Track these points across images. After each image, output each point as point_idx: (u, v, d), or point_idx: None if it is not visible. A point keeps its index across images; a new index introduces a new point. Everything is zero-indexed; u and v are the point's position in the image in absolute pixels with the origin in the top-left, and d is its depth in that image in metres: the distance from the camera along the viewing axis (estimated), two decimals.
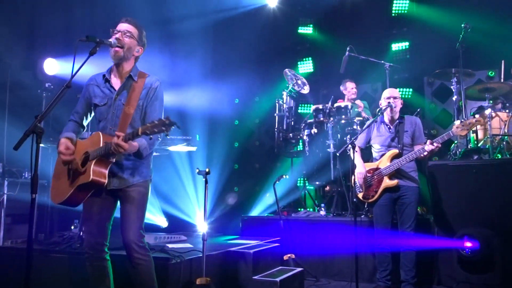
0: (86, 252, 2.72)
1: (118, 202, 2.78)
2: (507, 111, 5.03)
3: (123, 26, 2.74)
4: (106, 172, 2.54)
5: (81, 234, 4.11)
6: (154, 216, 5.91)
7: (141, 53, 2.84)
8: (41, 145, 4.48)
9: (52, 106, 2.30)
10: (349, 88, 6.24)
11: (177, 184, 6.17)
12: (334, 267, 4.65)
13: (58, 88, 2.40)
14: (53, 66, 5.25)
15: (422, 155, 3.84)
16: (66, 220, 4.90)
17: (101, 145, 2.52)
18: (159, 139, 2.76)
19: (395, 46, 7.04)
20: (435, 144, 3.75)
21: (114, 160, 2.57)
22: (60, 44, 5.71)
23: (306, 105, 7.62)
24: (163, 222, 6.04)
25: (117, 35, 2.69)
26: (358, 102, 6.06)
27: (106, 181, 2.54)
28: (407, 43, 7.00)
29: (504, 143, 4.81)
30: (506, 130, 4.76)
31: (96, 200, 2.68)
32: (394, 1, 7.04)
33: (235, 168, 7.19)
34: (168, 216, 6.08)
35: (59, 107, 2.58)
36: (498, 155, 4.79)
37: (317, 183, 5.80)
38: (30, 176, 2.12)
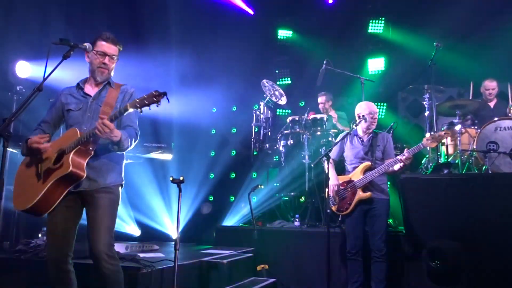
0: (49, 264, 2.60)
1: (83, 211, 2.70)
2: (475, 127, 5.21)
3: (111, 50, 2.72)
4: (84, 164, 2.49)
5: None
6: (127, 224, 5.80)
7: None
8: (9, 149, 4.35)
9: (22, 110, 2.25)
10: (319, 101, 6.34)
11: (151, 193, 6.08)
12: (307, 278, 4.65)
13: (30, 91, 2.33)
14: (25, 69, 5.11)
15: (398, 166, 3.93)
16: (33, 227, 4.73)
17: (78, 136, 2.48)
18: (136, 140, 2.70)
19: (372, 65, 7.22)
20: (406, 154, 3.85)
21: (93, 152, 2.52)
22: (34, 46, 5.57)
23: (284, 110, 7.68)
24: (135, 231, 5.94)
25: (105, 61, 2.69)
26: (332, 113, 6.14)
27: (85, 174, 2.48)
28: (382, 59, 7.19)
29: (473, 158, 4.97)
30: (474, 146, 4.92)
31: (60, 209, 2.58)
32: (370, 23, 7.26)
33: (211, 177, 7.14)
34: (141, 225, 5.98)
35: (29, 112, 2.51)
36: (464, 170, 4.94)
37: (292, 193, 5.83)
38: None
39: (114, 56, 2.73)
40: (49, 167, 2.51)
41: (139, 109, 2.33)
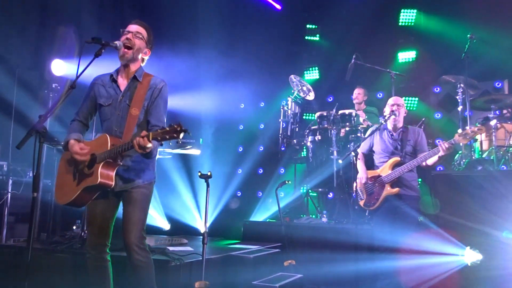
0: (87, 252, 2.73)
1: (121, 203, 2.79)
2: None
3: (133, 27, 2.77)
4: (113, 174, 2.55)
5: (82, 234, 4.13)
6: (157, 219, 5.93)
7: (148, 54, 2.86)
8: (46, 145, 4.52)
9: (57, 107, 2.33)
10: (355, 94, 6.28)
11: (180, 188, 6.18)
12: (334, 274, 4.61)
13: (64, 89, 2.42)
14: (60, 67, 5.29)
15: (432, 160, 3.84)
16: (68, 220, 4.93)
17: (108, 147, 2.52)
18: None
19: (402, 55, 7.04)
20: (447, 144, 3.70)
21: (121, 163, 2.58)
22: (68, 45, 5.77)
23: (310, 114, 7.62)
24: (165, 225, 6.06)
25: (128, 36, 2.72)
26: (361, 113, 6.04)
27: (113, 183, 2.55)
28: (413, 52, 7.00)
29: (509, 154, 4.78)
30: (510, 142, 4.73)
31: (100, 200, 2.70)
32: (402, 12, 7.07)
33: (238, 172, 7.20)
34: (171, 219, 6.09)
35: (64, 108, 2.60)
36: (502, 166, 4.77)
37: (320, 189, 5.79)
38: (32, 175, 2.15)
39: (138, 34, 2.74)
40: (82, 170, 2.61)
41: (159, 142, 2.35)
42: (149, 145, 2.34)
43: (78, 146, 2.62)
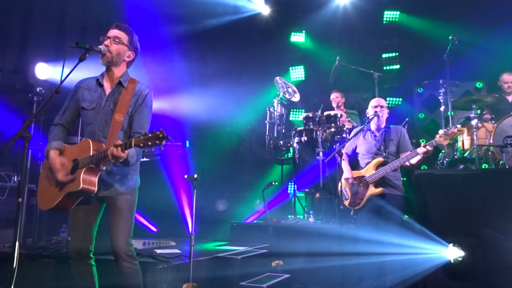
0: (71, 257, 2.71)
1: (104, 207, 2.78)
2: (493, 121, 5.13)
3: (112, 32, 2.75)
4: (96, 180, 2.53)
5: (69, 238, 4.11)
6: (144, 221, 5.92)
7: (132, 58, 2.83)
8: (30, 149, 4.48)
9: (41, 111, 2.33)
10: (333, 98, 6.39)
11: (168, 190, 6.17)
12: (321, 274, 4.66)
13: (49, 92, 2.41)
14: (44, 71, 5.22)
15: (416, 159, 3.90)
16: (54, 224, 4.88)
17: (91, 153, 2.51)
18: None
19: (386, 57, 7.14)
20: (427, 147, 3.80)
21: (104, 169, 2.56)
22: (52, 48, 5.71)
23: (297, 110, 7.67)
24: (153, 228, 6.05)
25: (106, 42, 2.71)
26: (342, 112, 6.14)
27: (95, 189, 2.54)
28: (397, 54, 7.11)
29: (489, 153, 4.89)
30: (491, 141, 4.84)
31: (83, 206, 2.68)
32: (385, 12, 7.17)
33: (226, 174, 7.21)
34: (158, 221, 6.08)
35: (49, 112, 2.59)
36: (485, 164, 4.88)
37: (306, 190, 5.85)
38: (17, 180, 2.14)
39: (116, 39, 2.71)
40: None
41: (141, 148, 2.37)
42: (123, 155, 2.36)
43: (59, 163, 2.59)
